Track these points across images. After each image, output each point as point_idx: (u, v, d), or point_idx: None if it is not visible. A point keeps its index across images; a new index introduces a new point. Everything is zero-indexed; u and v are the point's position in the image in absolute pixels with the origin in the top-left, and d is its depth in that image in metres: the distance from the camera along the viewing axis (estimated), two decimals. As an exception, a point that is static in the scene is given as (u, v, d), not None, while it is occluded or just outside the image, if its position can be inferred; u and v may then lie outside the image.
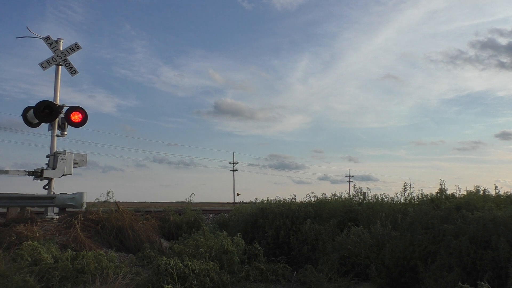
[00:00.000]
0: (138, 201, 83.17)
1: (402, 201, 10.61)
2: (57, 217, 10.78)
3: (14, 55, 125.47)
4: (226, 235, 8.59)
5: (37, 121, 12.04)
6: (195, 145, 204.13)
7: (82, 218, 9.55)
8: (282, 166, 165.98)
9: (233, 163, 72.06)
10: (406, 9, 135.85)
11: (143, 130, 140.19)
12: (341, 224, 9.89)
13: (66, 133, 12.31)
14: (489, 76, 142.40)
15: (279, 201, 11.99)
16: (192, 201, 15.34)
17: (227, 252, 7.83)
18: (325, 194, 12.31)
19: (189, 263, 6.48)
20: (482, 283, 4.38)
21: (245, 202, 27.79)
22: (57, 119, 12.06)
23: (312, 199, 12.16)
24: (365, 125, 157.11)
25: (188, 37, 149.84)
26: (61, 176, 11.60)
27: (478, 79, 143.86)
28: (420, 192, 9.78)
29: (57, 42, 12.74)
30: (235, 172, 71.48)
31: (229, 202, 69.33)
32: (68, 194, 10.59)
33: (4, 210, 11.83)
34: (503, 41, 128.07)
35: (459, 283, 4.54)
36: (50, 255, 6.86)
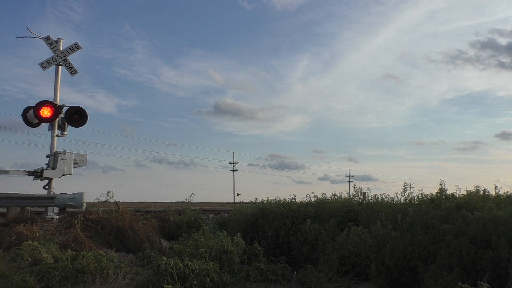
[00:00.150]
0: (138, 201, 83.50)
1: (402, 201, 10.59)
2: (57, 217, 10.77)
3: (14, 55, 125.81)
4: (226, 235, 8.58)
5: (37, 121, 12.04)
6: (195, 145, 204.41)
7: (82, 218, 9.54)
8: (282, 166, 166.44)
9: (233, 163, 72.23)
10: (406, 9, 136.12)
11: (143, 130, 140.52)
12: (341, 224, 9.87)
13: (66, 133, 12.31)
14: (489, 76, 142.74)
15: (279, 201, 11.96)
16: (192, 201, 15.33)
17: (227, 252, 7.82)
18: (325, 194, 12.32)
19: (189, 263, 6.48)
20: (482, 283, 4.38)
21: (245, 202, 27.78)
22: (57, 119, 12.06)
23: (312, 199, 12.15)
24: (365, 125, 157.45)
25: (188, 37, 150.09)
26: (61, 176, 11.60)
27: (478, 79, 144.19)
28: (420, 192, 9.77)
29: (57, 42, 12.74)
30: (235, 172, 71.69)
31: (229, 202, 69.45)
32: (68, 194, 10.60)
33: (4, 210, 11.83)
34: (503, 41, 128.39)
35: (459, 283, 4.54)
36: (50, 255, 6.85)
